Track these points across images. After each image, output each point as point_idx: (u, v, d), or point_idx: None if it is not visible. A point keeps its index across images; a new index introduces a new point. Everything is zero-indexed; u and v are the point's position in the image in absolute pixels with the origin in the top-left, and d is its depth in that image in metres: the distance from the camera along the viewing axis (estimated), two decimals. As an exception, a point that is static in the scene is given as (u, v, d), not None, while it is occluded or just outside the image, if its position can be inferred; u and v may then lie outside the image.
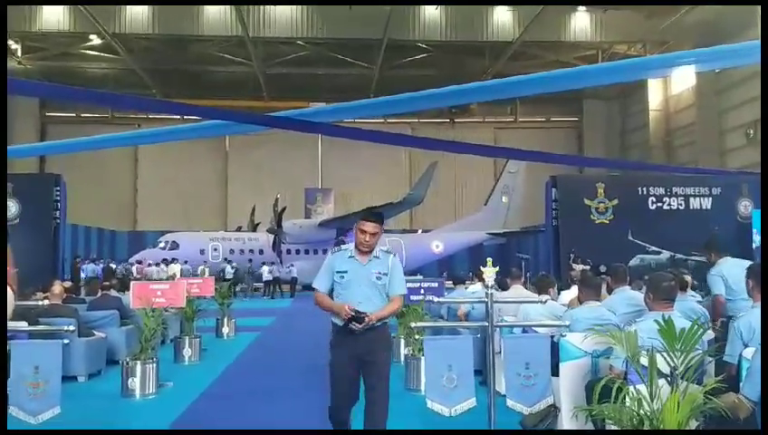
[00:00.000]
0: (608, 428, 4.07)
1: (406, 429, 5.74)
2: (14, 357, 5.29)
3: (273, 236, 30.49)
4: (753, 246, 15.62)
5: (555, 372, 5.21)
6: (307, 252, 31.10)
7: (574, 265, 15.02)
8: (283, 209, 30.37)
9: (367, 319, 4.32)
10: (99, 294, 10.69)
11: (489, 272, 4.96)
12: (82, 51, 34.49)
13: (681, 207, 16.71)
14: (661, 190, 16.73)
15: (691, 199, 16.76)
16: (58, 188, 15.93)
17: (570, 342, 5.15)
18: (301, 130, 5.84)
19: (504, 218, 34.13)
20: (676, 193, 16.74)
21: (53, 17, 31.18)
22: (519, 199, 33.99)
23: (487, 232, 33.74)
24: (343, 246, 4.76)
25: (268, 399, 7.66)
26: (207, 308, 12.08)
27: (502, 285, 8.76)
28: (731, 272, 6.30)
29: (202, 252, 29.91)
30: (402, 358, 8.49)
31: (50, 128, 40.11)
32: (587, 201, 16.68)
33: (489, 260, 5.05)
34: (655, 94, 36.23)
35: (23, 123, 36.35)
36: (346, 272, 4.54)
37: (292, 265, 29.42)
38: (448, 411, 4.97)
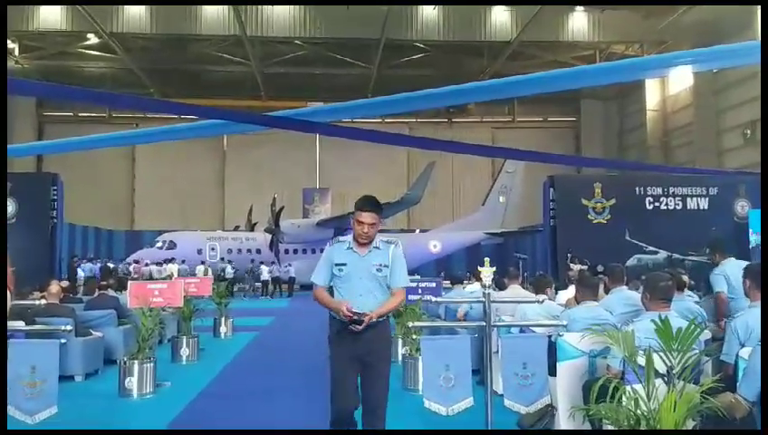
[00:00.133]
0: (605, 428, 4.08)
1: (403, 428, 5.73)
2: (11, 357, 5.26)
3: (270, 235, 30.50)
4: (750, 246, 15.66)
5: (552, 371, 5.22)
6: (305, 251, 31.11)
7: (572, 265, 15.04)
8: (281, 209, 30.38)
9: (366, 318, 4.12)
10: (96, 294, 10.67)
11: (486, 272, 4.96)
12: (80, 50, 34.44)
13: (678, 208, 16.75)
14: (658, 190, 16.77)
15: (688, 199, 16.80)
16: (55, 188, 15.94)
17: (567, 341, 5.15)
18: (299, 129, 5.84)
19: (502, 218, 34.16)
20: (673, 193, 16.79)
21: (51, 17, 31.13)
22: (516, 199, 34.02)
23: (485, 232, 33.77)
24: (341, 238, 4.52)
25: (266, 398, 7.65)
26: (205, 308, 12.07)
27: (499, 284, 8.76)
28: (733, 272, 6.33)
29: (199, 251, 29.91)
30: (400, 358, 8.49)
31: (47, 127, 40.06)
32: (584, 201, 16.71)
33: (487, 260, 5.04)
34: (652, 94, 36.28)
35: (20, 122, 36.31)
36: (345, 265, 4.32)
37: (290, 265, 29.43)
38: (446, 411, 4.98)
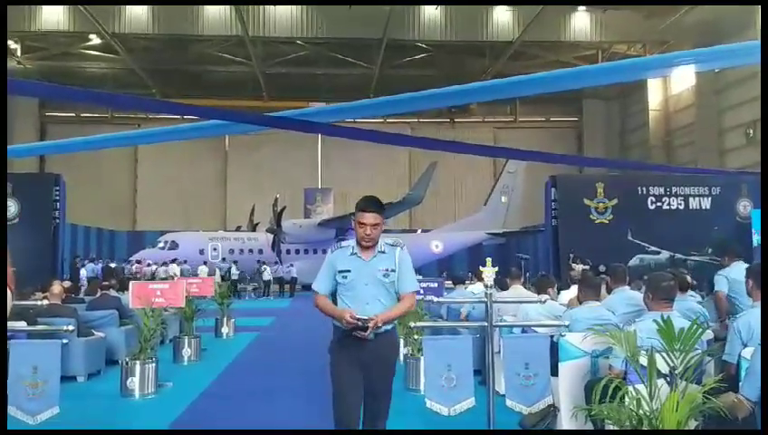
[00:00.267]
0: (607, 428, 4.07)
1: (405, 429, 5.73)
2: (12, 357, 5.28)
3: (272, 235, 30.51)
4: (753, 245, 15.62)
5: (555, 371, 5.21)
6: (306, 252, 31.13)
7: (574, 265, 15.02)
8: (283, 209, 30.40)
9: (372, 323, 3.81)
10: (98, 294, 10.69)
11: (488, 272, 4.95)
12: (82, 51, 34.48)
13: (681, 207, 16.71)
14: (661, 190, 16.73)
15: (690, 199, 16.76)
16: (57, 188, 15.93)
17: (569, 341, 5.15)
18: (300, 130, 5.84)
19: (504, 218, 34.14)
20: (675, 193, 16.74)
21: (53, 17, 31.15)
22: (518, 199, 34.00)
23: (487, 232, 33.75)
24: (343, 243, 4.18)
25: (268, 398, 7.65)
26: (207, 308, 12.08)
27: (501, 284, 8.76)
28: (737, 274, 6.33)
29: (201, 252, 29.94)
30: (402, 358, 8.48)
31: (49, 127, 40.13)
32: (586, 201, 16.68)
33: (488, 260, 5.03)
34: (654, 94, 36.23)
35: (22, 123, 36.38)
36: (349, 271, 4.01)
37: (292, 265, 29.45)
38: (447, 411, 4.97)
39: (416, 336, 8.01)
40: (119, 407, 7.27)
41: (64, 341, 5.86)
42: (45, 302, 7.48)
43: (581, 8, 32.27)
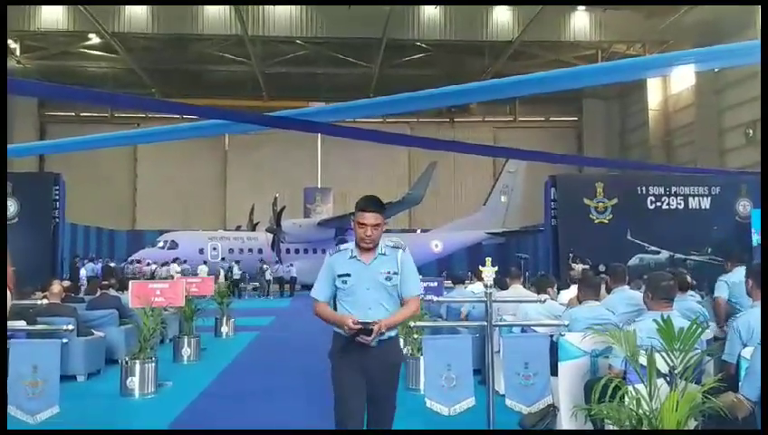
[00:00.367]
0: (607, 427, 4.07)
1: (405, 428, 5.73)
2: (12, 356, 5.28)
3: (272, 235, 30.51)
4: (753, 245, 15.62)
5: (554, 371, 5.22)
6: (306, 251, 31.13)
7: (573, 265, 15.02)
8: (283, 209, 30.39)
9: (376, 328, 3.65)
10: (98, 294, 10.69)
11: (488, 271, 4.95)
12: (81, 50, 34.47)
13: (680, 207, 16.70)
14: (660, 190, 16.72)
15: (690, 199, 16.75)
16: (57, 187, 15.92)
17: (569, 341, 5.15)
18: (300, 129, 5.83)
19: (504, 218, 34.14)
20: (675, 193, 16.73)
21: (52, 16, 31.15)
22: (518, 199, 34.01)
23: (486, 231, 33.75)
24: (342, 246, 4.03)
25: (268, 398, 7.65)
26: (206, 308, 12.08)
27: (501, 284, 8.76)
28: (738, 279, 6.33)
29: (201, 251, 29.93)
30: (401, 358, 8.48)
31: (49, 127, 40.14)
32: (586, 201, 16.67)
33: (488, 260, 5.03)
34: (654, 94, 36.25)
35: (22, 122, 36.37)
36: (349, 275, 3.85)
37: (292, 265, 29.45)
38: (447, 411, 4.97)
39: (415, 336, 8.02)
40: (118, 406, 7.27)
41: (64, 340, 5.86)
42: (45, 301, 7.50)
43: (581, 8, 32.29)
